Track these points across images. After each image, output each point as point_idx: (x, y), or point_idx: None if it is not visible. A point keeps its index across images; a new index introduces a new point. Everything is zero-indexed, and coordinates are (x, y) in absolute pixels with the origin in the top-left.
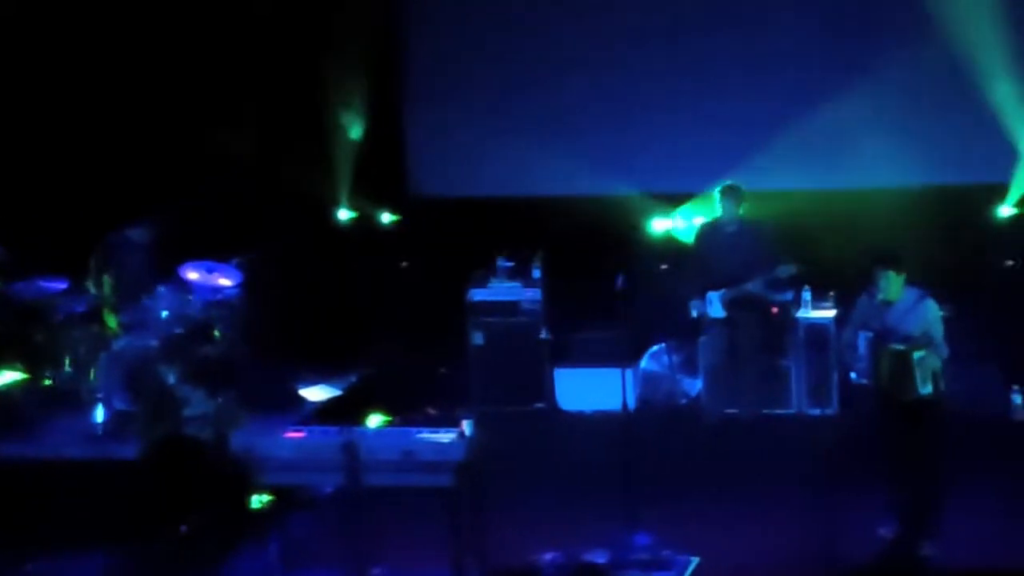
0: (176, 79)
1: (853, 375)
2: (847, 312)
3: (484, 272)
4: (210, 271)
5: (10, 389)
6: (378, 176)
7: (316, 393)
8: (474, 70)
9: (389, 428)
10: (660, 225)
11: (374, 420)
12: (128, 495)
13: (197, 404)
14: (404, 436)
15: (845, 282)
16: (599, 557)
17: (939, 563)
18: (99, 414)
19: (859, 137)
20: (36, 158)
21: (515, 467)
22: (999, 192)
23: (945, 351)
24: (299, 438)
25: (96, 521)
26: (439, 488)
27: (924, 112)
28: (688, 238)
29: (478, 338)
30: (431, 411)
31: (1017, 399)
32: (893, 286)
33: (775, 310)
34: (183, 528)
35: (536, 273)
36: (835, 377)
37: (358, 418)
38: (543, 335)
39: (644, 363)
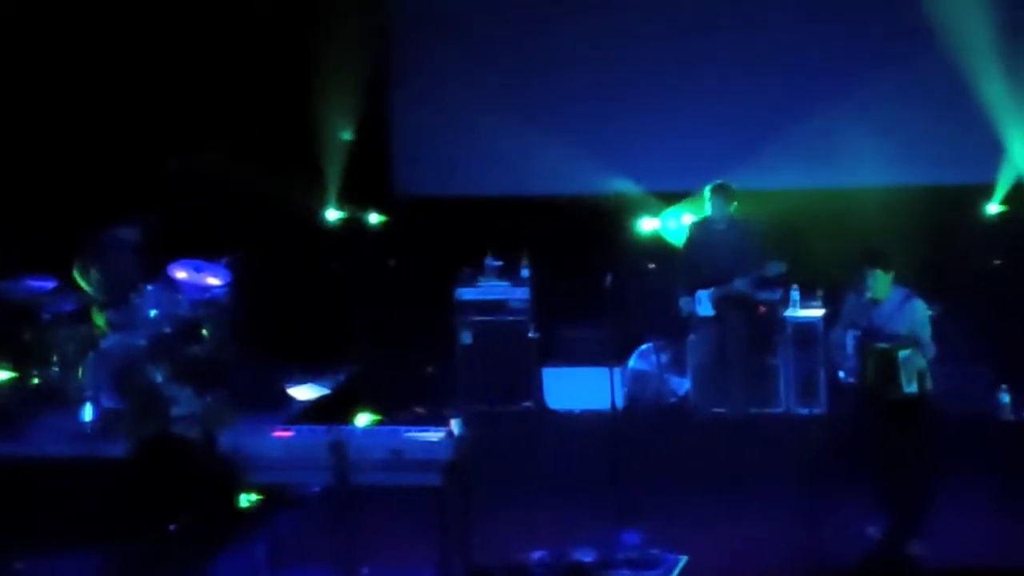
0: (163, 78)
1: (841, 374)
2: (835, 311)
3: (472, 271)
4: (198, 270)
5: None
6: (366, 176)
7: (304, 392)
8: (461, 70)
9: (377, 427)
10: (648, 224)
11: (362, 419)
12: (116, 494)
13: (185, 403)
14: (392, 435)
15: (833, 281)
16: (587, 556)
17: (927, 562)
18: (87, 413)
19: (848, 137)
20: (24, 157)
21: (503, 466)
22: (987, 192)
23: (932, 350)
24: (287, 437)
25: (85, 520)
26: (427, 487)
27: (913, 112)
28: (677, 238)
29: (466, 337)
30: (419, 410)
31: (1005, 398)
32: (881, 285)
33: (762, 308)
34: (171, 527)
35: (524, 272)
36: (823, 376)
37: (346, 417)
38: (531, 334)
39: (632, 362)
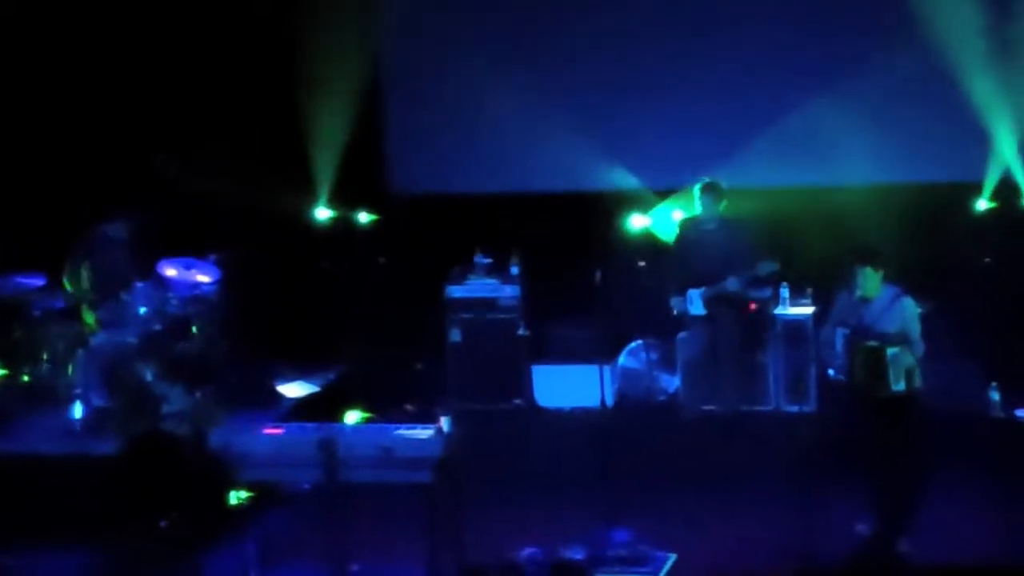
0: (153, 75)
1: (831, 372)
2: (825, 309)
3: (462, 269)
4: (188, 267)
5: None
6: (356, 174)
7: (294, 389)
8: (452, 68)
9: (367, 424)
10: (638, 222)
11: (352, 416)
12: (106, 491)
13: (175, 400)
14: (382, 432)
15: (823, 279)
16: (577, 553)
17: (916, 559)
18: (77, 410)
19: (838, 134)
20: (12, 154)
21: (493, 463)
22: (977, 190)
23: (921, 348)
24: (277, 434)
25: (75, 517)
26: (417, 484)
27: (903, 109)
28: (667, 235)
29: (456, 335)
30: (409, 407)
31: (995, 396)
32: (871, 283)
33: (752, 306)
34: (162, 524)
35: (514, 270)
36: (813, 374)
37: (336, 414)
38: (521, 331)
39: (622, 360)
